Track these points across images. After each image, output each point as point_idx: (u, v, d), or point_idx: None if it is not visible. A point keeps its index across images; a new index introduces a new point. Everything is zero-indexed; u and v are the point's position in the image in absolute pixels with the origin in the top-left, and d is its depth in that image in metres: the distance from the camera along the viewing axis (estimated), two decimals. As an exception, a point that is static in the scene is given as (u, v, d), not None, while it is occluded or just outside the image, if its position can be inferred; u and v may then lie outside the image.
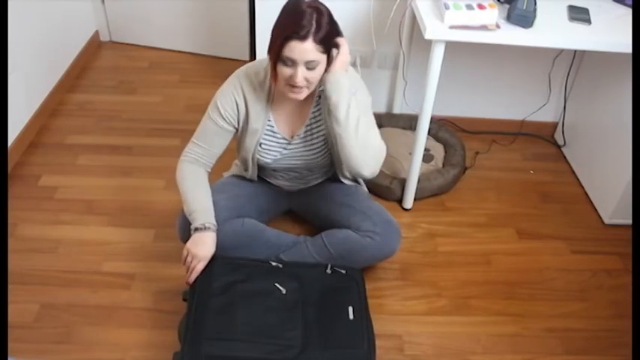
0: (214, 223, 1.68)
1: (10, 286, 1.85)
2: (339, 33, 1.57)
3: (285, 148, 1.79)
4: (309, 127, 1.76)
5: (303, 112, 1.74)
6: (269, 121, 1.73)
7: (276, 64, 1.53)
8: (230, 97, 1.70)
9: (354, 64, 2.56)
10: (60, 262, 1.96)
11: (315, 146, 1.79)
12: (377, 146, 1.68)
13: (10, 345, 1.67)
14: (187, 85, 2.99)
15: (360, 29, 2.47)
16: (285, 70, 1.53)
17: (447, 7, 1.83)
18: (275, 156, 1.80)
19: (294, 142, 1.78)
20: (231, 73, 1.70)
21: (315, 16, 1.47)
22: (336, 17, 1.55)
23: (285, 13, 1.53)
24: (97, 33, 3.29)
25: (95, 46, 3.26)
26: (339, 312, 1.60)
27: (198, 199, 1.70)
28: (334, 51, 1.57)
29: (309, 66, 1.51)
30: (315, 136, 1.78)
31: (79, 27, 3.10)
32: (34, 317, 1.78)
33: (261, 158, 1.81)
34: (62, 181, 2.30)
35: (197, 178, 1.74)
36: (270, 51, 1.54)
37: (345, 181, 1.95)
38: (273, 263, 1.73)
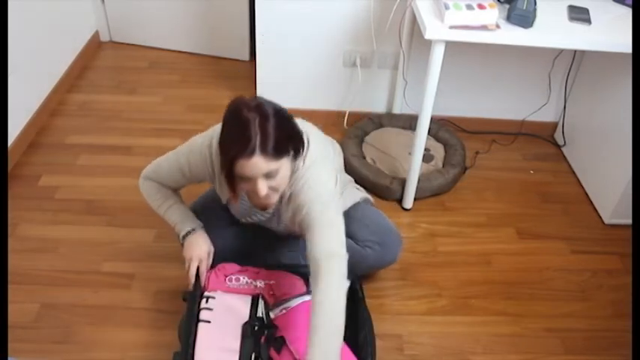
0: (199, 223, 1.68)
1: (10, 286, 1.85)
2: (293, 131, 1.40)
3: (258, 217, 1.69)
4: (275, 212, 1.62)
5: None
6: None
7: (232, 185, 1.41)
8: (201, 165, 1.58)
9: (353, 65, 2.57)
10: (60, 262, 1.96)
11: (283, 224, 1.65)
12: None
13: (10, 345, 1.67)
14: (187, 85, 2.99)
15: (360, 29, 2.47)
16: (244, 185, 1.41)
17: (447, 7, 1.83)
18: (243, 216, 1.71)
19: (267, 213, 1.66)
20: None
21: (258, 122, 1.30)
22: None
23: (226, 124, 1.36)
24: (97, 33, 3.28)
25: (95, 46, 3.26)
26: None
27: (176, 209, 1.69)
28: (300, 147, 1.41)
29: (269, 175, 1.36)
30: (279, 218, 1.63)
31: (79, 27, 3.10)
32: (34, 317, 1.78)
33: (237, 218, 1.74)
34: (62, 181, 2.30)
35: (164, 190, 1.69)
36: (221, 170, 1.41)
37: None
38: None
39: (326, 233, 1.44)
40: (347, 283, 1.42)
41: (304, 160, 1.46)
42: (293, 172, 1.46)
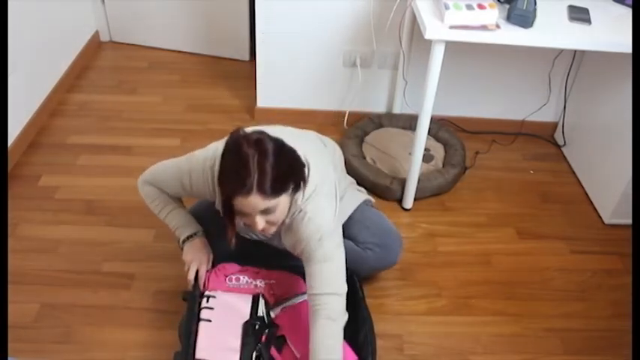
0: (199, 228, 1.68)
1: (10, 286, 1.85)
2: (293, 167, 1.38)
3: (259, 237, 1.69)
4: (276, 237, 1.61)
5: None
6: None
7: (230, 220, 1.41)
8: (203, 185, 1.56)
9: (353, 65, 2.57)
10: (60, 262, 1.96)
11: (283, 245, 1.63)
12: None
13: (10, 345, 1.67)
14: (187, 85, 2.99)
15: (360, 29, 2.47)
16: (242, 219, 1.41)
17: (447, 7, 1.83)
18: (242, 232, 1.69)
19: (266, 238, 1.67)
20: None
21: (256, 160, 1.28)
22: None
23: (226, 156, 1.35)
24: (97, 33, 3.28)
25: (95, 46, 3.26)
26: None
27: (176, 214, 1.69)
28: (300, 183, 1.39)
29: (267, 212, 1.36)
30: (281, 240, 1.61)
31: (79, 27, 3.10)
32: (34, 317, 1.78)
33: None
34: (62, 181, 2.30)
35: (164, 195, 1.69)
36: (218, 203, 1.42)
37: None
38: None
39: (325, 270, 1.45)
40: (345, 318, 1.46)
41: (304, 191, 1.44)
42: (293, 202, 1.44)
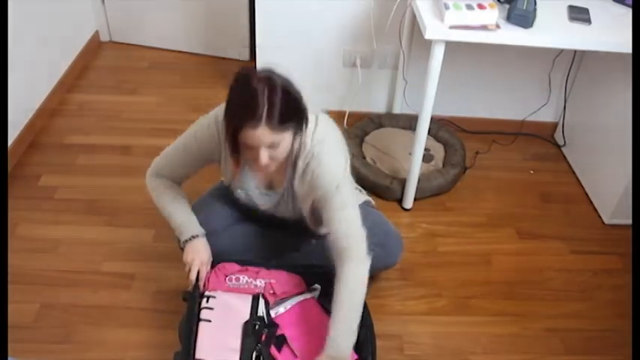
0: (201, 230, 1.68)
1: (10, 286, 1.85)
2: (299, 106, 1.41)
3: (262, 199, 1.70)
4: (287, 187, 1.63)
5: (281, 168, 1.59)
6: (244, 169, 1.65)
7: (235, 152, 1.44)
8: (208, 139, 1.60)
9: (353, 66, 2.57)
10: (60, 262, 1.96)
11: (293, 205, 1.67)
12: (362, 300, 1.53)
13: (10, 345, 1.66)
14: (187, 85, 2.99)
15: (360, 29, 2.47)
16: (246, 153, 1.44)
17: (447, 7, 1.83)
18: (250, 202, 1.71)
19: (272, 195, 1.68)
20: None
21: (266, 94, 1.32)
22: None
23: (233, 93, 1.39)
24: (97, 33, 3.28)
25: (95, 46, 3.26)
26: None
27: (181, 213, 1.69)
28: (303, 123, 1.44)
29: (272, 146, 1.39)
30: (292, 197, 1.64)
31: (79, 27, 3.10)
32: (34, 317, 1.78)
33: (243, 204, 1.75)
34: (62, 181, 2.30)
35: (172, 191, 1.70)
36: (225, 137, 1.45)
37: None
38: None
39: (345, 216, 1.52)
40: (369, 260, 1.52)
41: (313, 134, 1.49)
42: (302, 145, 1.50)
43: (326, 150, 1.51)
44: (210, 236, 1.70)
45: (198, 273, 1.64)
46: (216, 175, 1.96)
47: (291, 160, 1.54)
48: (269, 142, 1.37)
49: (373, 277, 1.95)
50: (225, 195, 1.82)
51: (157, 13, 3.16)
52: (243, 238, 1.82)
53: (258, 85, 1.33)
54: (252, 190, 1.68)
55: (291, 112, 1.39)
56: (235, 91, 1.38)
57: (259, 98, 1.32)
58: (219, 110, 1.54)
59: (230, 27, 3.11)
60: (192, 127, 1.65)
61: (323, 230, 1.67)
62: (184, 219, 1.69)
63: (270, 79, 1.35)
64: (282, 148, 1.41)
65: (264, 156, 1.40)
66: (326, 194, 1.51)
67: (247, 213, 1.81)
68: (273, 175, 1.64)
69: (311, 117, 1.49)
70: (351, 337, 1.45)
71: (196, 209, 1.74)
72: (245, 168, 1.63)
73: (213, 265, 1.68)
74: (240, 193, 1.70)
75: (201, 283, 1.63)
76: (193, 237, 1.66)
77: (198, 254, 1.65)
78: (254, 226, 1.84)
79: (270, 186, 1.67)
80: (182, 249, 1.68)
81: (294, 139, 1.46)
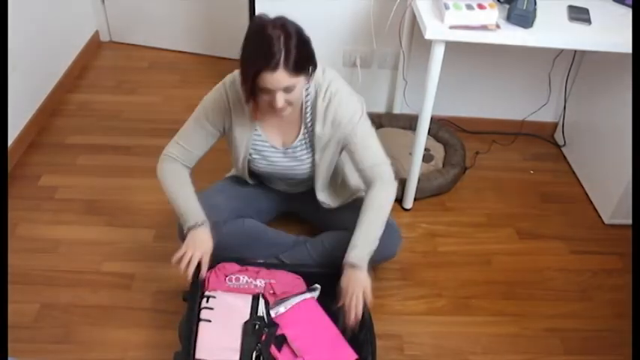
0: (205, 219, 1.68)
1: (10, 286, 1.85)
2: (311, 52, 1.52)
3: (277, 158, 1.76)
4: (302, 140, 1.72)
5: (294, 120, 1.70)
6: (256, 130, 1.71)
7: (252, 95, 1.52)
8: (217, 104, 1.67)
9: (353, 65, 2.57)
10: (60, 262, 1.96)
11: (311, 159, 1.75)
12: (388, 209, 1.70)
13: (10, 345, 1.66)
14: (187, 85, 2.99)
15: (360, 29, 2.47)
16: (262, 98, 1.52)
17: (447, 7, 1.83)
18: (267, 166, 1.78)
19: (288, 152, 1.74)
20: (231, 73, 1.70)
21: (282, 40, 1.42)
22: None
23: (249, 40, 1.49)
24: (97, 33, 3.28)
25: (95, 46, 3.26)
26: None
27: (187, 200, 1.69)
28: (310, 68, 1.54)
29: (287, 90, 1.49)
30: (310, 148, 1.73)
31: (79, 27, 3.10)
32: (34, 317, 1.78)
33: (254, 167, 1.79)
34: (62, 181, 2.30)
35: (181, 178, 1.72)
36: (243, 83, 1.52)
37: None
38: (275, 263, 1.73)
39: (368, 145, 1.69)
40: (395, 185, 1.71)
41: (324, 74, 1.63)
42: (319, 87, 1.63)
43: (341, 87, 1.66)
44: (212, 228, 1.69)
45: (196, 269, 1.64)
46: (220, 173, 1.97)
47: (310, 104, 1.65)
48: (285, 85, 1.46)
49: (373, 277, 1.95)
50: (229, 189, 1.83)
51: (156, 13, 3.16)
52: (247, 230, 1.86)
53: (273, 31, 1.42)
54: (269, 150, 1.73)
55: (305, 56, 1.48)
56: (252, 38, 1.47)
57: (276, 44, 1.41)
58: (228, 77, 1.67)
59: (230, 27, 3.11)
60: (202, 101, 1.73)
61: (333, 185, 1.85)
62: (191, 206, 1.69)
63: (285, 25, 1.45)
64: (296, 91, 1.51)
65: (280, 99, 1.48)
66: (351, 128, 1.65)
67: (253, 203, 1.86)
68: (287, 130, 1.71)
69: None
70: (371, 247, 1.61)
71: (200, 202, 1.74)
72: (258, 130, 1.71)
73: (213, 265, 1.68)
74: (258, 161, 1.75)
75: (203, 271, 1.62)
76: (198, 225, 1.65)
77: (200, 243, 1.64)
78: (257, 219, 1.89)
79: (285, 144, 1.74)
80: (183, 240, 1.68)
81: (306, 83, 1.56)
